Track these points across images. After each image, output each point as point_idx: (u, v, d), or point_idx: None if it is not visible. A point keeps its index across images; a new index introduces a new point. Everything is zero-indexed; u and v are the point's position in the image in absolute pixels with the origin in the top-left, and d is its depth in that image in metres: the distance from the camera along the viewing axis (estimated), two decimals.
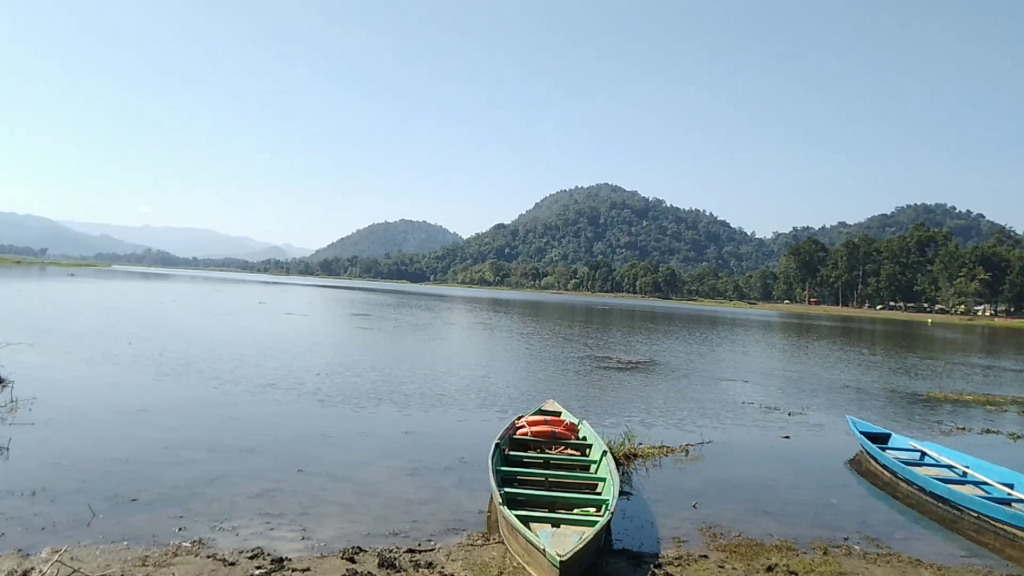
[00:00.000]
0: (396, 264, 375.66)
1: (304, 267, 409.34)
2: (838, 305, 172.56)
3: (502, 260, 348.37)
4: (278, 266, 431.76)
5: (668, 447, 10.20)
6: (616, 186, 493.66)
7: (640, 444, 10.03)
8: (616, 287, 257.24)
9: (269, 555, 5.79)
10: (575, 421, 9.86)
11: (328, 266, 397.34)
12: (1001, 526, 7.35)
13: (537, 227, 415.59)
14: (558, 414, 10.57)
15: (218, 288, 75.08)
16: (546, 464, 8.57)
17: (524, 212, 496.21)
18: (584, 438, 9.37)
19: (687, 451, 10.16)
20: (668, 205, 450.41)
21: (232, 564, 5.60)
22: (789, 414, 13.97)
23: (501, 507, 6.40)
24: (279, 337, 23.99)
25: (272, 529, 6.39)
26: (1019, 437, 12.78)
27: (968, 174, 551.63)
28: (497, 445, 8.37)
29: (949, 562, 6.50)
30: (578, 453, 9.03)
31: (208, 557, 5.70)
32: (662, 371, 20.53)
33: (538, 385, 15.89)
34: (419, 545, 6.21)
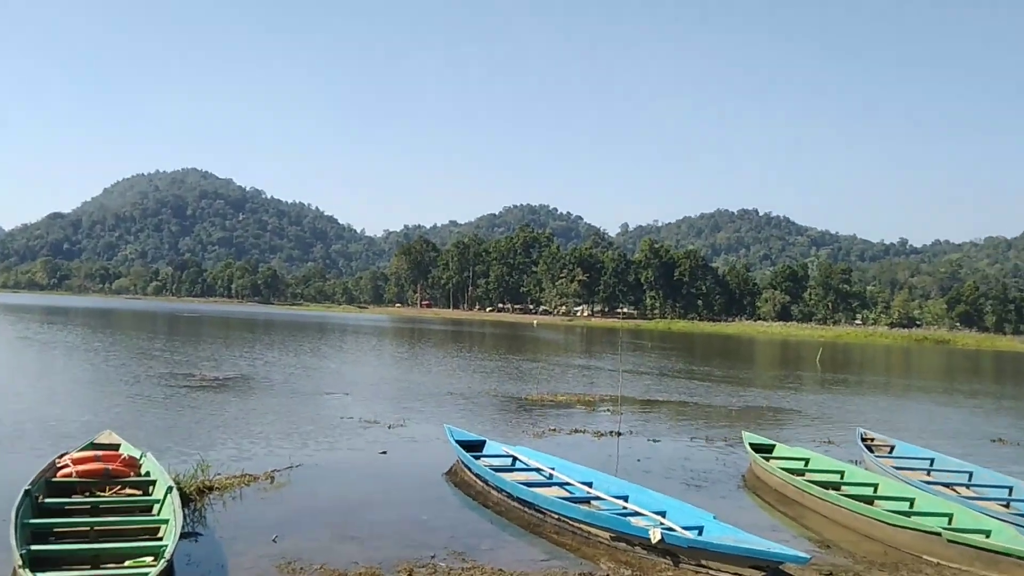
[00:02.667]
0: None
1: None
2: (450, 308, 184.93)
3: (60, 258, 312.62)
4: None
5: (251, 475, 10.00)
6: (207, 172, 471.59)
7: (218, 475, 9.69)
8: (208, 290, 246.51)
9: None
10: (137, 454, 9.23)
11: None
12: (579, 525, 8.40)
13: (107, 218, 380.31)
14: (116, 447, 9.80)
15: None
16: (94, 510, 7.86)
17: (89, 199, 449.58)
18: (147, 474, 8.80)
19: (272, 478, 10.04)
20: (268, 197, 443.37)
21: None
22: (389, 427, 14.56)
23: (22, 570, 5.71)
24: None
25: None
26: (602, 434, 14.80)
27: (567, 176, 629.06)
28: (27, 492, 7.45)
29: (530, 567, 7.25)
30: (139, 492, 8.45)
31: None
32: (255, 387, 20.15)
33: (100, 413, 14.56)
34: None
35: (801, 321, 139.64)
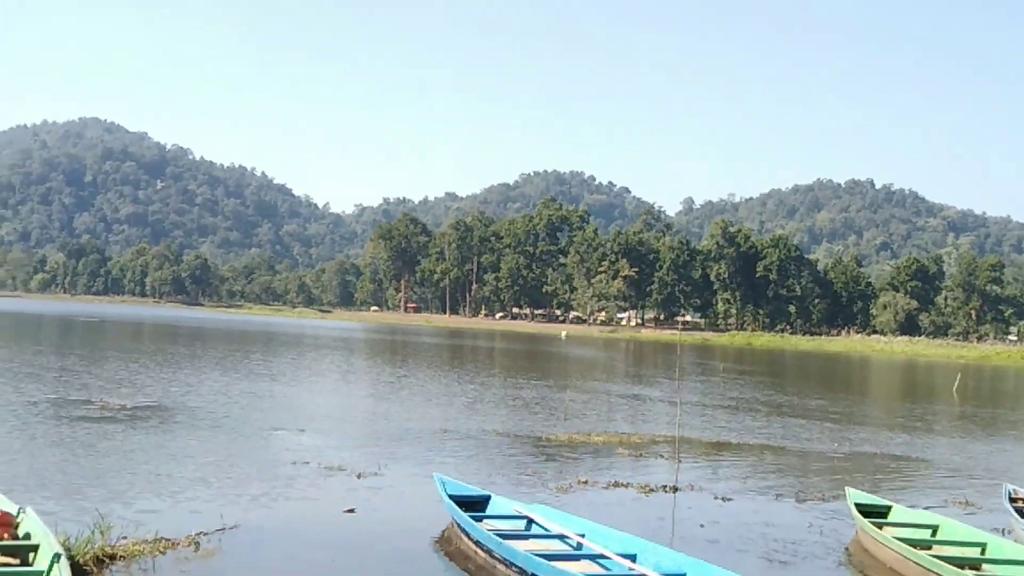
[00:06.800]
0: None
1: None
2: (445, 313, 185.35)
3: None
4: None
5: (168, 539, 10.04)
6: (112, 123, 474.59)
7: (123, 538, 9.76)
8: (114, 286, 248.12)
9: None
10: (13, 511, 9.35)
11: None
12: None
13: None
14: None
15: None
16: None
17: None
18: (27, 536, 8.92)
19: (197, 544, 10.08)
20: (198, 158, 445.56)
21: None
22: (358, 476, 14.62)
23: None
24: None
25: None
26: (652, 489, 14.82)
27: (608, 132, 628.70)
28: None
29: None
30: (15, 561, 8.55)
31: None
32: (176, 420, 20.25)
33: None
34: None
35: (933, 336, 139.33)
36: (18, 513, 9.27)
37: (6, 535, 8.84)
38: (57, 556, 8.04)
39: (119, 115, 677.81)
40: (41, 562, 8.28)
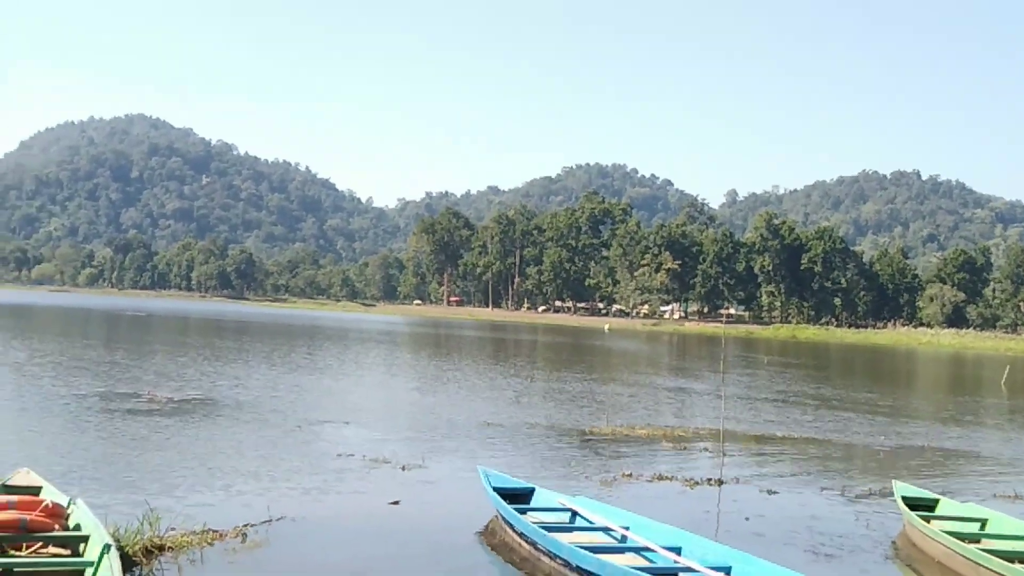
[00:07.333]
0: None
1: None
2: (488, 306, 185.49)
3: None
4: None
5: (216, 531, 10.12)
6: (158, 119, 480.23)
7: (171, 530, 9.86)
8: (160, 281, 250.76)
9: None
10: (63, 502, 9.45)
11: None
12: None
13: (24, 182, 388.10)
14: (36, 491, 10.04)
15: None
16: (5, 574, 8.06)
17: (1, 156, 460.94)
18: (77, 527, 9.02)
19: (244, 535, 10.17)
20: (242, 154, 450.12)
21: None
22: (403, 468, 14.69)
23: None
24: None
25: None
26: (697, 483, 14.77)
27: (651, 125, 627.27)
28: None
29: None
30: (66, 552, 8.66)
31: None
32: (223, 413, 20.42)
33: (14, 446, 14.88)
34: None
35: (981, 328, 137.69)
36: (68, 504, 9.38)
37: (57, 526, 8.95)
38: (107, 547, 8.12)
39: (165, 111, 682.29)
40: (91, 553, 8.37)
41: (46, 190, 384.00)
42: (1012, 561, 9.78)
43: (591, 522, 10.89)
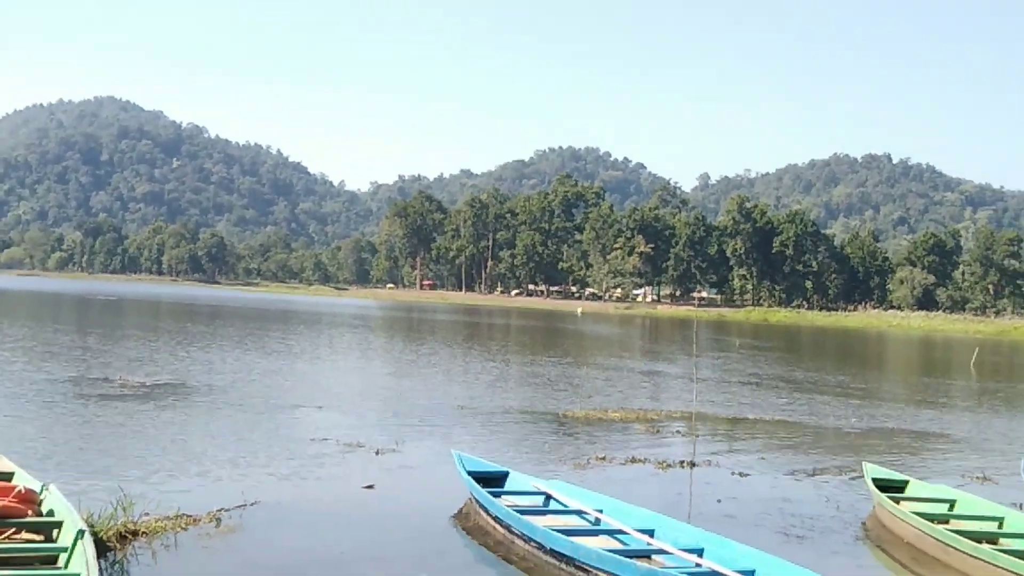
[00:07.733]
0: None
1: None
2: (461, 290, 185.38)
3: None
4: None
5: (189, 516, 10.13)
6: (128, 102, 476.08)
7: (145, 515, 9.85)
8: (131, 265, 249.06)
9: None
10: (36, 487, 9.41)
11: None
12: None
13: None
14: (9, 476, 10.01)
15: None
16: None
17: None
18: (51, 512, 8.98)
19: (218, 520, 10.19)
20: (213, 136, 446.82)
21: None
22: (377, 452, 14.72)
23: None
24: None
25: None
26: (669, 465, 14.87)
27: (623, 108, 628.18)
28: None
29: None
30: (39, 537, 8.63)
31: None
32: (196, 397, 20.40)
33: None
34: None
35: (951, 311, 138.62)
36: (42, 490, 9.33)
37: (30, 512, 8.91)
38: (81, 532, 8.11)
39: (134, 94, 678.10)
40: (65, 539, 8.36)
41: (15, 173, 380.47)
42: (980, 541, 9.91)
43: (565, 505, 10.95)
